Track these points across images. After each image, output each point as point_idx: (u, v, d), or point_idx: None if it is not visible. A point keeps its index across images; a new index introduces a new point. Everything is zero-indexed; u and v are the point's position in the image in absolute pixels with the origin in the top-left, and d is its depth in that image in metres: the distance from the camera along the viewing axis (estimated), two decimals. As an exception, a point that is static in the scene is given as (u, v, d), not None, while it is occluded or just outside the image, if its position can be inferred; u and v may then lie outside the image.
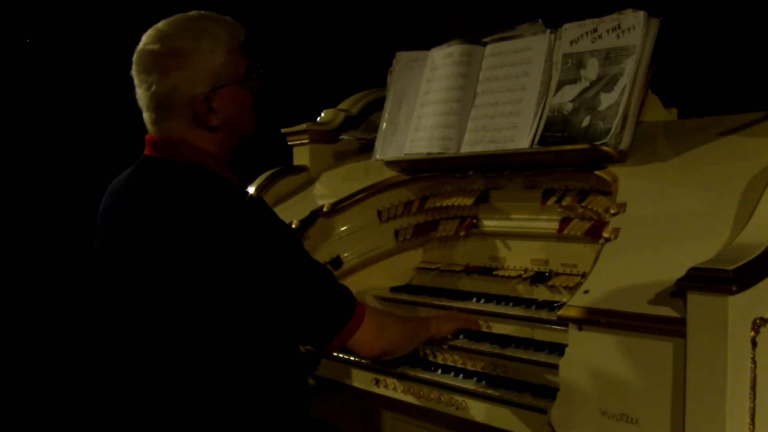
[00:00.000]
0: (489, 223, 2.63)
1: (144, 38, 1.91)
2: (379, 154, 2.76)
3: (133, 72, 1.91)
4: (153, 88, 1.86)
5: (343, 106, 3.31)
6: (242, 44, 1.95)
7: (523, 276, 2.45)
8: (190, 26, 1.90)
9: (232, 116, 1.94)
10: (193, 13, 1.94)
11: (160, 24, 1.92)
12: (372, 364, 2.40)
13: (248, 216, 1.82)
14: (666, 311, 1.64)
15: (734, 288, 1.52)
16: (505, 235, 2.59)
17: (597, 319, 1.74)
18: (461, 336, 2.29)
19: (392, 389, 2.36)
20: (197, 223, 1.80)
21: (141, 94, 1.91)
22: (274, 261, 1.82)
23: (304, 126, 3.21)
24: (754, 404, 1.55)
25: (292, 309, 1.87)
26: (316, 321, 1.91)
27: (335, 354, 2.51)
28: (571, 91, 2.28)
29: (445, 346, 2.30)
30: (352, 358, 2.46)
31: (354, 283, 2.74)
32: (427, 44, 2.76)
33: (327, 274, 1.96)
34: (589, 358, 1.76)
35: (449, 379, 2.22)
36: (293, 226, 2.71)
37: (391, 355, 2.12)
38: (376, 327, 2.00)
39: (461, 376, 2.20)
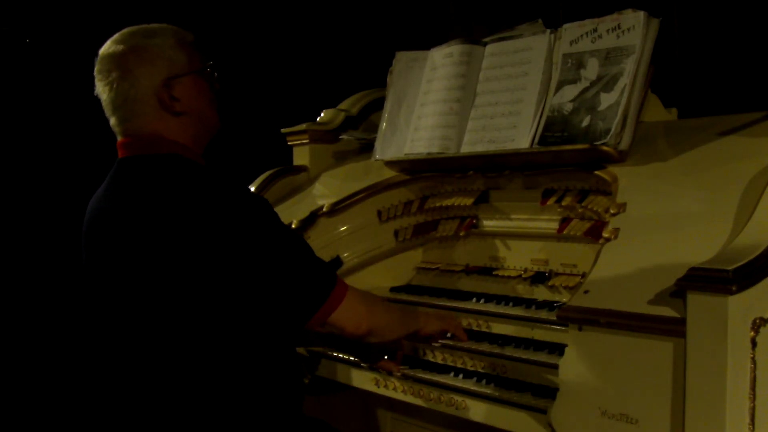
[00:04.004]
0: (489, 223, 2.63)
1: (101, 50, 2.00)
2: (379, 154, 2.76)
3: (96, 81, 1.98)
4: (116, 85, 1.94)
5: (343, 106, 3.31)
6: (193, 43, 2.04)
7: (523, 276, 2.45)
8: (140, 30, 2.00)
9: (193, 104, 2.00)
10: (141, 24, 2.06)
11: (113, 36, 2.02)
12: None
13: (226, 198, 1.85)
14: (666, 311, 1.64)
15: (734, 288, 1.52)
16: (505, 235, 2.58)
17: (597, 319, 1.74)
18: (448, 334, 2.29)
19: (392, 389, 2.36)
20: (177, 210, 1.83)
21: (106, 98, 1.98)
22: (252, 235, 1.84)
23: (304, 126, 3.21)
24: (754, 404, 1.55)
25: (273, 281, 1.88)
26: (297, 293, 1.91)
27: (335, 354, 2.51)
28: (571, 91, 2.28)
29: (437, 345, 2.30)
30: (352, 358, 2.46)
31: (354, 283, 2.69)
32: (427, 44, 2.76)
33: (306, 247, 1.98)
34: (589, 358, 1.76)
35: (449, 379, 2.22)
36: (293, 226, 2.71)
37: (378, 338, 2.08)
38: (362, 303, 2.00)
39: (461, 376, 2.21)
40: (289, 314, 1.97)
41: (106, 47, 1.98)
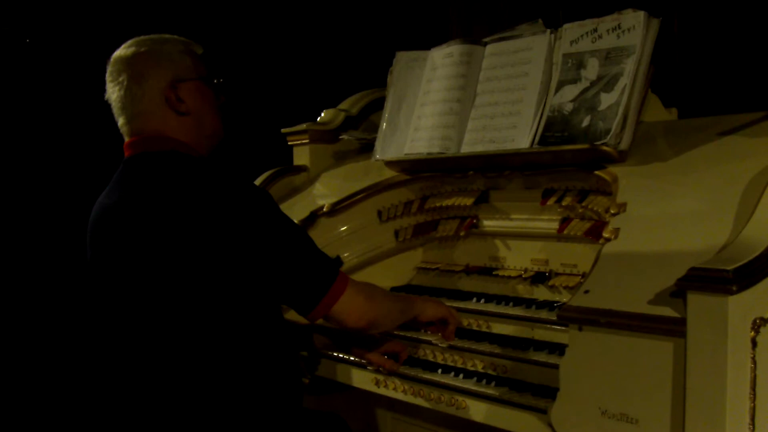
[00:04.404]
0: (489, 223, 2.63)
1: (113, 55, 2.06)
2: (379, 154, 2.76)
3: (107, 83, 2.04)
4: (126, 84, 2.00)
5: (343, 106, 3.31)
6: (201, 55, 2.11)
7: (523, 276, 2.45)
8: (153, 38, 2.08)
9: (198, 107, 2.06)
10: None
11: (126, 42, 2.09)
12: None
13: (227, 191, 1.88)
14: (666, 311, 1.64)
15: (734, 288, 1.52)
16: (505, 235, 2.58)
17: (597, 319, 1.74)
18: (445, 344, 2.29)
19: (392, 389, 2.36)
20: (179, 204, 1.86)
21: (115, 98, 2.03)
22: (255, 226, 1.87)
23: (304, 126, 3.21)
24: (754, 404, 1.55)
25: (276, 271, 1.91)
26: (298, 285, 1.95)
27: (335, 354, 2.51)
28: (571, 91, 2.28)
29: (444, 345, 2.31)
30: (352, 358, 2.46)
31: (354, 284, 2.74)
32: (427, 44, 2.76)
33: (308, 239, 2.01)
34: (589, 358, 1.76)
35: (449, 379, 2.22)
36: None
37: (377, 328, 2.12)
38: (362, 295, 2.03)
39: (461, 376, 2.20)
40: (290, 307, 1.99)
41: (118, 51, 2.04)
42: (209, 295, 1.86)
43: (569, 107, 2.27)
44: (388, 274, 2.84)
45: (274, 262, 1.89)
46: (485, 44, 2.58)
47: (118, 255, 1.94)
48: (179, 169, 1.93)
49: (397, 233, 2.83)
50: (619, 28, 2.21)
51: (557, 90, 2.32)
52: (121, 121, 2.04)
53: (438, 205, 2.73)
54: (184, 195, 1.87)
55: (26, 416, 4.09)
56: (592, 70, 2.25)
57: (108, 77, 2.04)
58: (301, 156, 3.24)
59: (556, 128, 2.28)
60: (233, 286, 1.87)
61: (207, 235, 1.83)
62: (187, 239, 1.84)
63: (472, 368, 2.25)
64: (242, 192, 1.89)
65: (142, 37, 2.07)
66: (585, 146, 2.17)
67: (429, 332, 2.38)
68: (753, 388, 1.55)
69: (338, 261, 2.77)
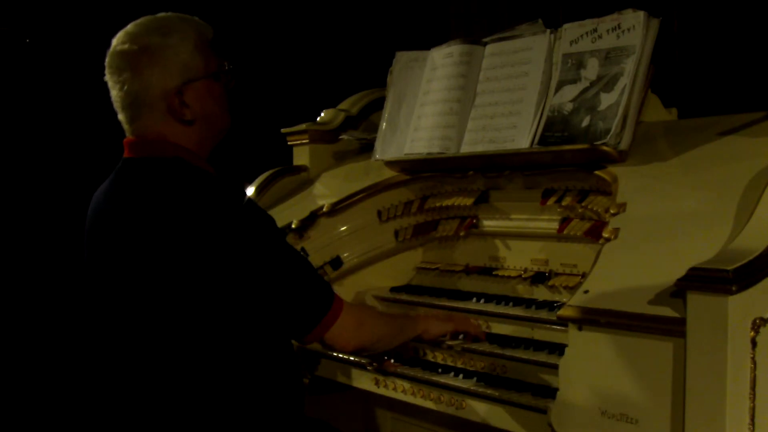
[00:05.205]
0: (489, 223, 2.62)
1: (114, 41, 1.94)
2: (379, 154, 2.76)
3: (107, 75, 1.95)
4: (126, 87, 1.90)
5: (343, 106, 3.31)
6: (211, 42, 1.99)
7: (523, 276, 2.45)
8: (157, 25, 1.94)
9: (205, 110, 1.96)
10: (159, 14, 1.98)
11: (128, 26, 1.96)
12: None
13: (228, 207, 1.84)
14: (666, 311, 1.64)
15: (734, 288, 1.52)
16: (505, 235, 2.58)
17: (597, 319, 1.74)
18: (461, 336, 2.29)
19: (392, 389, 2.36)
20: (178, 216, 1.82)
21: (115, 95, 1.94)
22: (255, 251, 1.84)
23: (304, 126, 3.21)
24: (754, 404, 1.55)
25: (271, 299, 1.88)
26: (295, 312, 1.93)
27: (335, 354, 2.51)
28: (571, 91, 2.28)
29: (444, 346, 2.31)
30: (352, 358, 2.46)
31: (354, 283, 2.75)
32: (427, 44, 2.76)
33: (307, 266, 1.97)
34: (589, 358, 1.76)
35: (449, 379, 2.22)
36: (293, 226, 2.71)
37: (369, 351, 2.12)
38: (353, 323, 2.00)
39: (461, 376, 2.21)
40: (284, 331, 1.97)
41: (121, 41, 1.92)
42: (204, 307, 1.82)
43: (569, 107, 2.27)
44: (388, 274, 2.83)
45: (268, 288, 1.86)
46: (485, 44, 2.58)
47: (115, 262, 1.91)
48: (182, 181, 1.88)
49: (397, 233, 2.83)
50: (619, 28, 2.21)
51: (557, 90, 2.32)
52: (121, 117, 1.96)
53: (438, 205, 2.73)
54: (186, 209, 1.82)
55: (23, 417, 4.09)
56: (592, 70, 2.25)
57: (108, 69, 1.93)
58: (301, 156, 3.24)
59: (556, 128, 2.29)
60: (228, 302, 1.83)
61: (204, 250, 1.79)
62: (185, 253, 1.80)
63: (472, 368, 2.25)
64: (245, 212, 1.85)
65: (148, 24, 1.93)
66: (585, 146, 2.17)
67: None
68: (753, 388, 1.55)
69: (338, 261, 2.76)
